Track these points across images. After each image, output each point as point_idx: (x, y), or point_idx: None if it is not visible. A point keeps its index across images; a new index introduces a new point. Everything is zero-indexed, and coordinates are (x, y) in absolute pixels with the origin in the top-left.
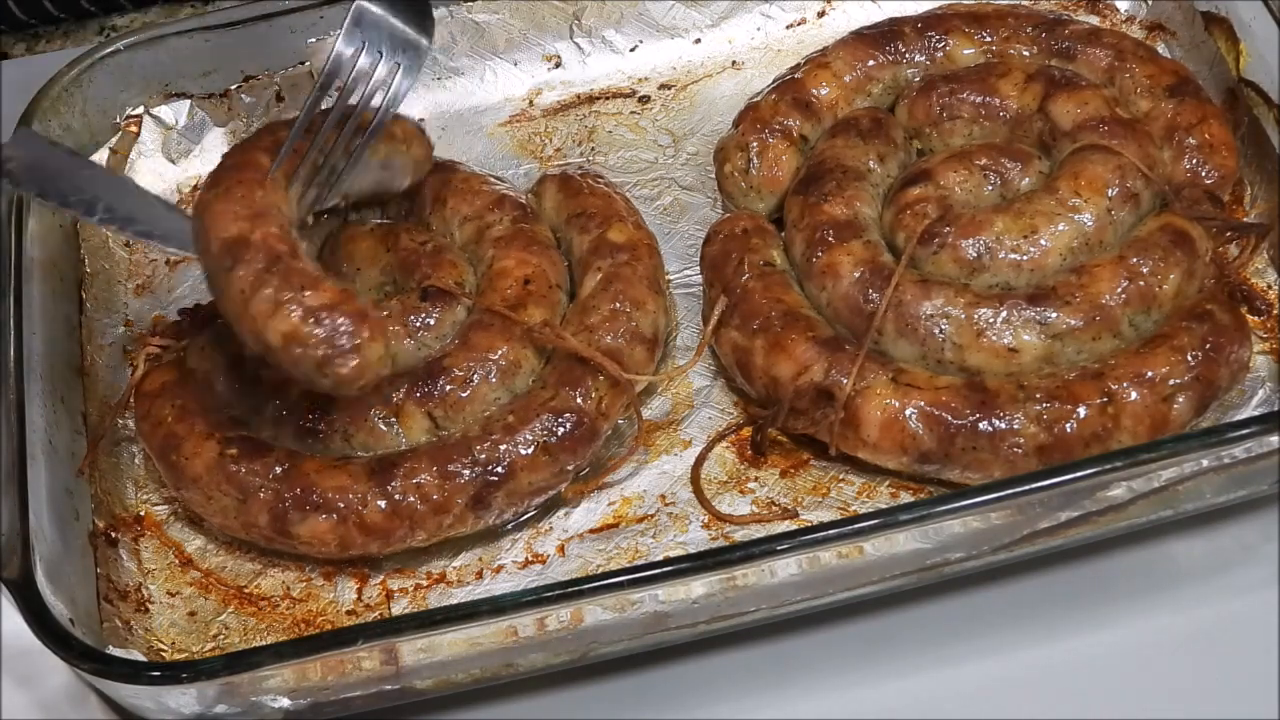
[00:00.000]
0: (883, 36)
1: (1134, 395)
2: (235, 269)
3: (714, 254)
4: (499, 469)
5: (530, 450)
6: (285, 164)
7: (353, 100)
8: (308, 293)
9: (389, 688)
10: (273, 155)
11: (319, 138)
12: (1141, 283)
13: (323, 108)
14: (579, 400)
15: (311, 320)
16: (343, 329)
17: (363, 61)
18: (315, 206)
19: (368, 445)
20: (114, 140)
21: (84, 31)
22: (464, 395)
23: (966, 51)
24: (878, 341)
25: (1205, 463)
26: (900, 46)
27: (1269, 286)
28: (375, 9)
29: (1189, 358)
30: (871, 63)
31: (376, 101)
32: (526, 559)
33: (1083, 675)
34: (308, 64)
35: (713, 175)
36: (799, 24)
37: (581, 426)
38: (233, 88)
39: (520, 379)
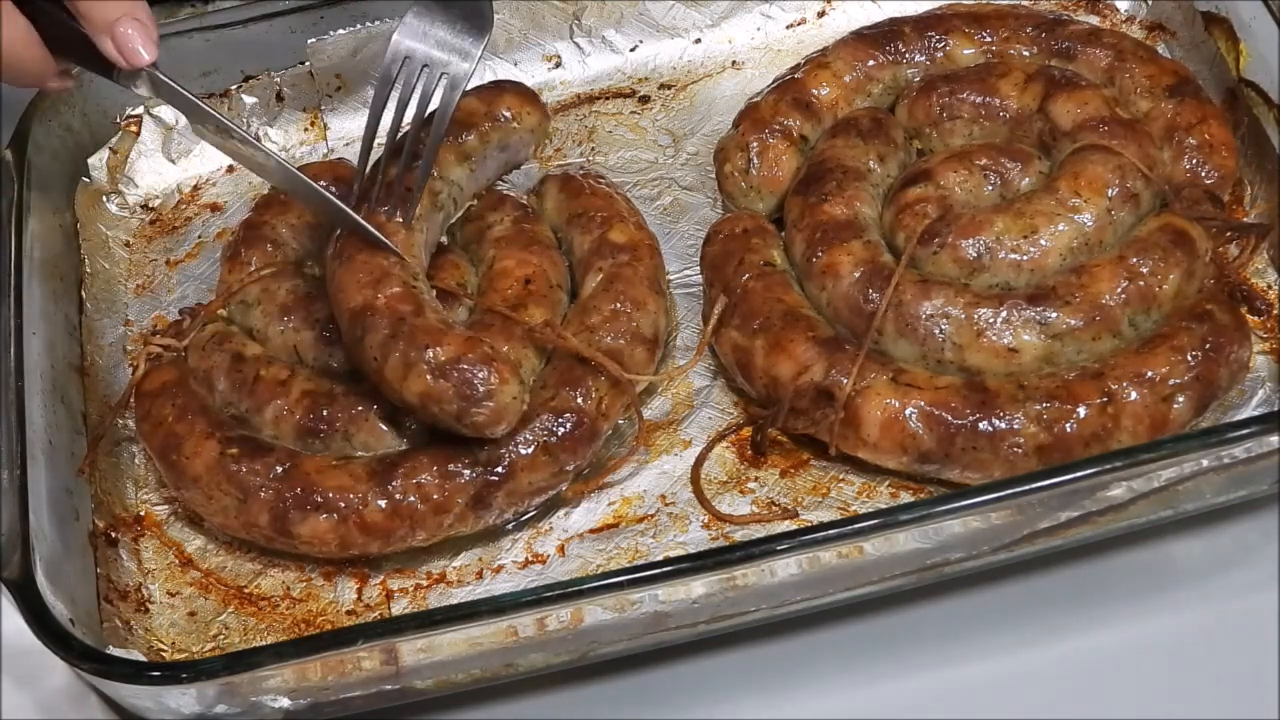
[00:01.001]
0: (883, 36)
1: (1134, 395)
2: (364, 338)
3: (714, 254)
4: (499, 469)
5: (530, 450)
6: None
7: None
8: (433, 349)
9: (389, 688)
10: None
11: (403, 159)
12: (1141, 283)
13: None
14: (579, 400)
15: (440, 377)
16: (472, 379)
17: (414, 61)
18: (447, 224)
19: (368, 445)
20: (114, 140)
21: None
22: None
23: (966, 51)
24: (878, 341)
25: (1205, 463)
26: (900, 46)
27: (1269, 286)
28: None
29: (1189, 358)
30: (871, 63)
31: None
32: (526, 559)
33: (1083, 675)
34: (308, 64)
35: (713, 175)
36: (799, 24)
37: (582, 426)
38: (233, 88)
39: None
